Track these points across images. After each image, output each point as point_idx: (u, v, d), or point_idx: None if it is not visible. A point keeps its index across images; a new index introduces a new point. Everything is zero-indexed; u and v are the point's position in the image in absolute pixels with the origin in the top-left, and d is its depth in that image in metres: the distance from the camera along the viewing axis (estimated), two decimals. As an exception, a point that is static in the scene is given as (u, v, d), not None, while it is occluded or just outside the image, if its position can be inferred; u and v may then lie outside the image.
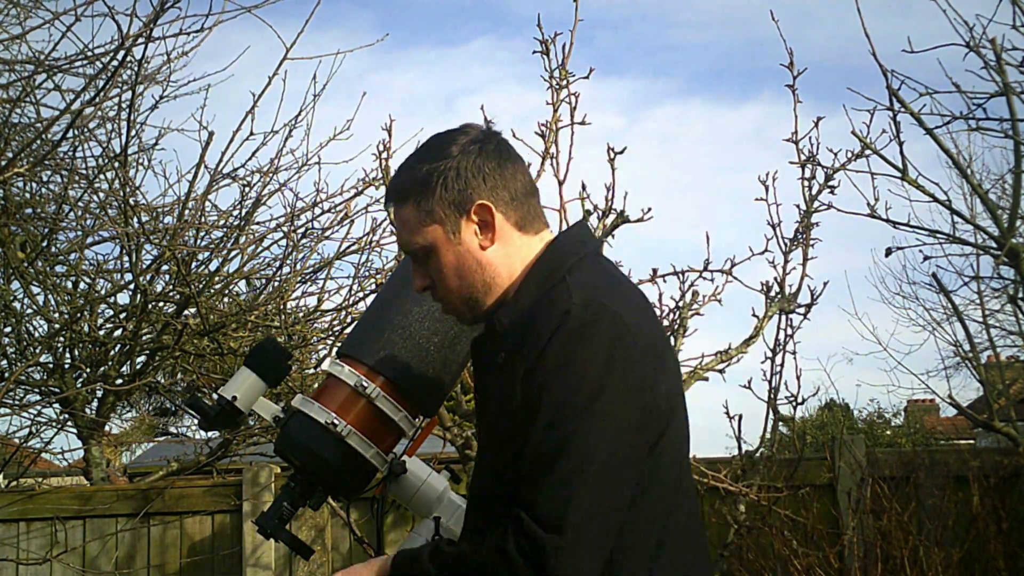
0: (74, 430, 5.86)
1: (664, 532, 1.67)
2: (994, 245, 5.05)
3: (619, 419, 1.59)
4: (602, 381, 1.59)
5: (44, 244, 5.50)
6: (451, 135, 1.82)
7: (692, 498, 1.78)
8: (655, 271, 4.44)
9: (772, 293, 4.53)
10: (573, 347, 1.60)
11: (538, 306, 1.69)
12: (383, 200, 1.89)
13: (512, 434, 1.63)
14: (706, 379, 4.47)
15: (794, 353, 4.57)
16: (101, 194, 5.60)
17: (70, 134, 5.05)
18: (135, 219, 5.10)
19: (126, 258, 5.67)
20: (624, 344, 1.62)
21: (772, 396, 4.57)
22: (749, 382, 4.49)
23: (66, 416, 5.68)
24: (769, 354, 4.55)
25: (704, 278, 4.45)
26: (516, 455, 1.62)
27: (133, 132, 5.28)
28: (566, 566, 1.53)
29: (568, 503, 1.55)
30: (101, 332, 5.78)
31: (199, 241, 5.53)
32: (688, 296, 4.45)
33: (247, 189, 5.71)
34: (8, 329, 5.70)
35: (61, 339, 5.64)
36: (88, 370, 5.68)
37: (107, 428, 6.46)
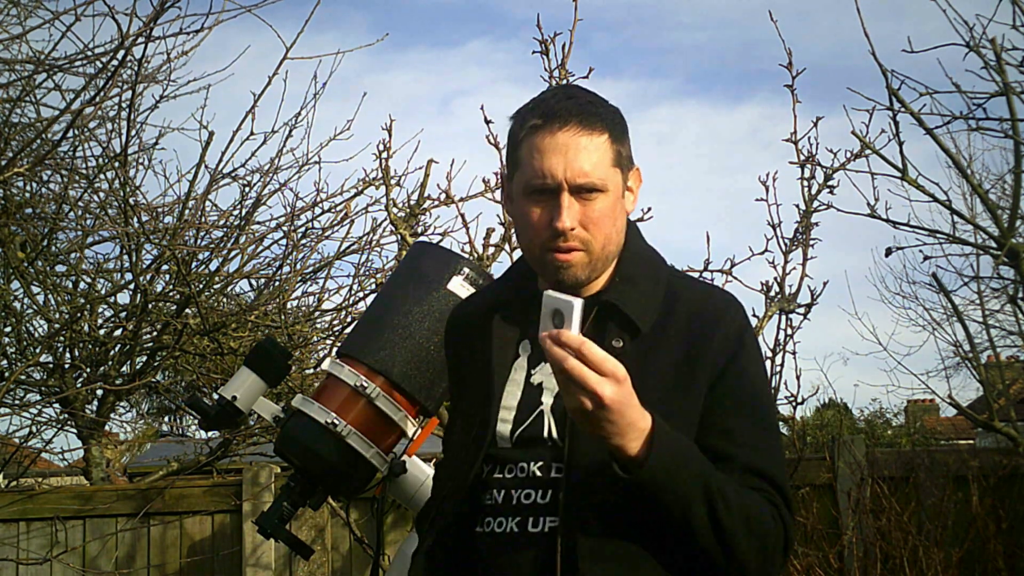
0: (74, 430, 5.86)
1: None
2: (994, 245, 5.05)
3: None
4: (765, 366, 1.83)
5: (44, 244, 5.50)
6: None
7: None
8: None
9: (772, 293, 4.53)
10: (757, 346, 1.76)
11: (701, 300, 1.74)
12: (567, 112, 1.67)
13: (681, 418, 1.65)
14: (706, 379, 4.46)
15: (794, 353, 4.57)
16: (101, 194, 5.60)
17: (70, 134, 5.05)
18: (135, 219, 5.10)
19: (126, 258, 5.67)
20: None
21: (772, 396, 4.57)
22: (749, 382, 4.49)
23: (66, 416, 5.67)
24: (769, 354, 4.55)
25: (704, 278, 4.46)
26: (699, 426, 1.67)
27: (133, 132, 5.27)
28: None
29: (791, 498, 1.71)
30: (101, 332, 5.78)
31: (199, 241, 5.53)
32: (688, 296, 4.45)
33: (247, 189, 5.71)
34: (8, 329, 5.70)
35: (61, 339, 5.63)
36: (88, 370, 5.68)
37: (107, 428, 6.46)
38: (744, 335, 1.72)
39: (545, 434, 1.69)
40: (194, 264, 5.48)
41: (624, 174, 1.72)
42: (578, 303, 1.48)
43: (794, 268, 4.54)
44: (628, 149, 1.73)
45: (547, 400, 1.71)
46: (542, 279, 1.75)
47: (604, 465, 1.56)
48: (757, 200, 4.49)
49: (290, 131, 5.62)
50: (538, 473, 1.67)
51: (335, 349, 5.56)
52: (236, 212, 5.74)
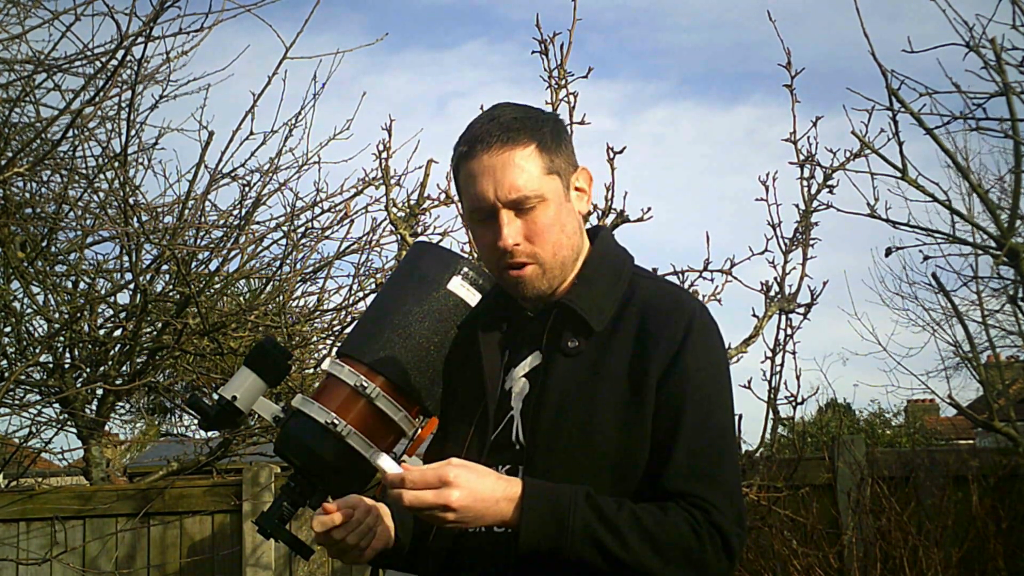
0: (74, 430, 5.86)
1: None
2: (994, 245, 5.05)
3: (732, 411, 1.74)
4: (726, 376, 1.73)
5: (44, 244, 5.50)
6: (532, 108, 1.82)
7: None
8: (655, 271, 4.44)
9: (772, 293, 4.53)
10: (708, 344, 1.70)
11: (655, 296, 1.74)
12: (487, 134, 1.69)
13: (634, 414, 1.65)
14: (706, 379, 4.46)
15: (794, 353, 4.57)
16: (101, 194, 5.60)
17: (70, 134, 5.05)
18: (135, 219, 5.10)
19: (126, 258, 5.68)
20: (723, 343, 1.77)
21: (772, 396, 4.57)
22: (749, 382, 4.49)
23: (66, 416, 5.68)
24: (769, 354, 4.55)
25: (704, 278, 4.46)
26: (638, 431, 1.65)
27: (133, 132, 5.28)
28: (739, 552, 1.65)
29: (736, 496, 1.66)
30: (101, 332, 5.79)
31: (199, 241, 5.53)
32: (688, 296, 4.45)
33: (247, 189, 5.71)
34: (8, 329, 5.70)
35: (61, 339, 5.64)
36: (88, 370, 5.68)
37: (107, 428, 6.46)
38: (691, 333, 1.68)
39: (514, 438, 1.72)
40: (194, 264, 5.48)
41: (564, 179, 1.74)
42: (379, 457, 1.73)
43: (794, 268, 4.55)
44: (565, 154, 1.75)
45: (516, 405, 1.74)
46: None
47: (563, 469, 1.64)
48: (757, 200, 4.49)
49: (290, 131, 5.63)
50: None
51: (335, 349, 5.56)
52: (236, 212, 5.75)
